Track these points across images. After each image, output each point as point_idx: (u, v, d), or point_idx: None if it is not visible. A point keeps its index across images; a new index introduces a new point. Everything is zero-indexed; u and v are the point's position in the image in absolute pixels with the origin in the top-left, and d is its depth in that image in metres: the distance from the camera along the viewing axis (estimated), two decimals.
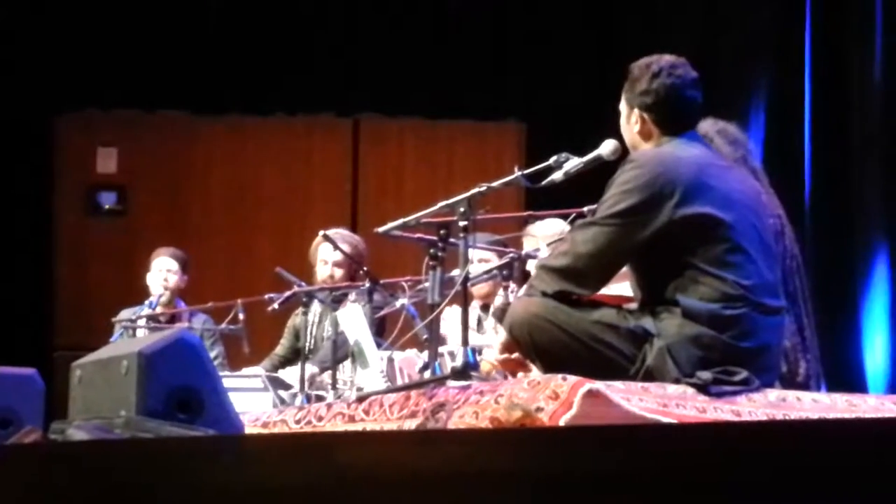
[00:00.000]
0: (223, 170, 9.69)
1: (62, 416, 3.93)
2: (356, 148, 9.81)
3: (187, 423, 3.44)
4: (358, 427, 4.06)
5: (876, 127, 7.55)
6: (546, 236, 5.44)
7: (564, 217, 5.16)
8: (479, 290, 6.12)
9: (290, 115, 9.64)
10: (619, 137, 4.29)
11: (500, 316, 4.40)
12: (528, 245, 5.63)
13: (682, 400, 3.73)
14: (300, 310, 6.26)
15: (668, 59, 4.19)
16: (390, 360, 5.21)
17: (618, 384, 3.67)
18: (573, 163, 4.25)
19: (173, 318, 7.27)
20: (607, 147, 4.27)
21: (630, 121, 4.21)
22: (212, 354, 6.32)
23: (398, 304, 5.48)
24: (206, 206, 9.64)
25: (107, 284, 9.01)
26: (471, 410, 3.65)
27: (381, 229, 4.56)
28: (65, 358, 5.33)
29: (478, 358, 4.19)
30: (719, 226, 3.95)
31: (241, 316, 6.25)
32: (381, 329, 5.97)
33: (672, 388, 3.78)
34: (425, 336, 4.71)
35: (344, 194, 9.69)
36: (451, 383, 3.95)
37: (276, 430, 4.42)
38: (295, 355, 6.75)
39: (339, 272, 6.66)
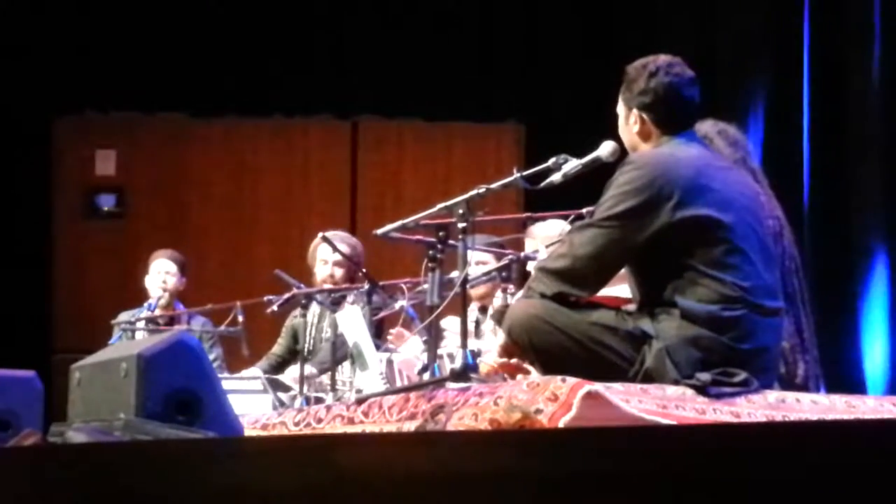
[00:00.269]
0: (222, 172, 9.69)
1: (61, 419, 3.93)
2: (355, 150, 9.80)
3: (186, 425, 3.44)
4: (357, 429, 4.06)
5: (874, 128, 7.56)
6: (547, 237, 5.43)
7: (564, 218, 5.16)
8: (476, 291, 6.12)
9: (289, 116, 9.64)
10: (618, 139, 4.29)
11: (499, 318, 4.40)
12: (529, 246, 5.62)
13: (682, 401, 3.74)
14: (298, 311, 6.26)
15: (664, 58, 4.19)
16: (389, 362, 5.21)
17: (617, 386, 3.67)
18: (572, 164, 4.25)
19: (172, 321, 7.27)
20: (606, 148, 4.27)
21: (629, 122, 4.21)
22: (210, 356, 6.31)
23: (397, 305, 5.48)
24: (205, 207, 9.64)
25: (105, 287, 9.00)
26: (470, 412, 3.65)
27: (379, 231, 4.56)
28: (64, 360, 5.34)
29: (477, 360, 4.19)
30: (718, 227, 3.95)
31: (240, 318, 6.25)
32: (379, 331, 5.97)
33: (671, 390, 3.78)
34: (424, 338, 4.71)
35: (342, 196, 9.69)
36: (451, 385, 3.95)
37: (275, 432, 4.42)
38: (292, 356, 6.75)
39: (339, 272, 6.66)
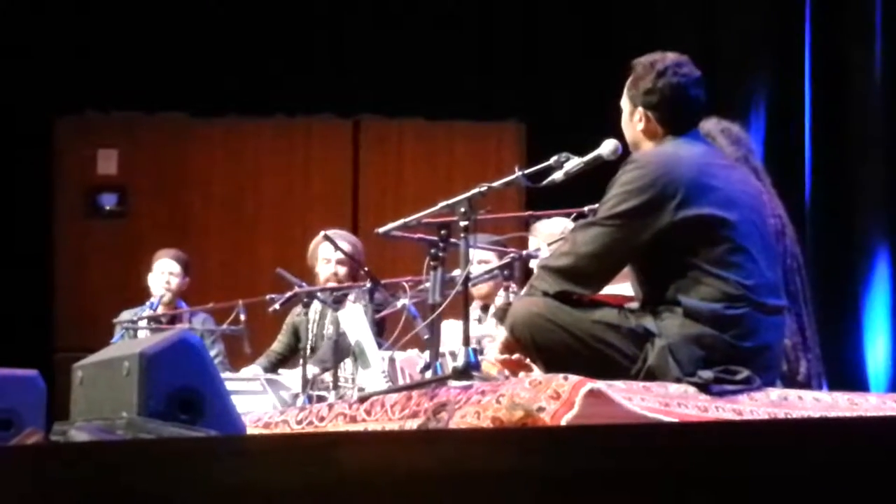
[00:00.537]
0: (223, 171, 9.69)
1: (64, 418, 3.93)
2: (356, 149, 9.80)
3: (189, 423, 3.44)
4: (359, 427, 4.06)
5: (876, 127, 7.56)
6: (550, 235, 5.44)
7: (566, 217, 5.16)
8: (479, 290, 6.12)
9: (290, 116, 9.64)
10: (619, 137, 4.29)
11: (501, 316, 4.40)
12: (533, 244, 5.62)
13: (684, 399, 3.74)
14: (300, 309, 6.26)
15: (672, 57, 4.18)
16: (391, 361, 5.21)
17: (619, 384, 3.67)
18: (573, 162, 4.25)
19: (174, 319, 7.27)
20: (607, 147, 4.27)
21: (633, 119, 4.21)
22: (212, 353, 6.32)
23: (399, 304, 5.48)
24: (207, 206, 9.64)
25: (107, 286, 9.01)
26: (472, 410, 3.65)
27: (381, 230, 4.56)
28: (66, 359, 5.33)
29: (479, 358, 4.19)
30: (721, 226, 3.95)
31: (242, 316, 6.25)
32: (381, 329, 5.97)
33: (673, 388, 3.78)
34: (426, 336, 4.70)
35: (344, 195, 9.69)
36: (453, 383, 3.95)
37: (277, 430, 4.42)
38: (292, 353, 6.75)
39: (342, 270, 6.66)
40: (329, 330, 6.48)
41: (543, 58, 9.43)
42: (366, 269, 5.87)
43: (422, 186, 9.43)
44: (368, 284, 5.67)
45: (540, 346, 3.98)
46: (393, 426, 3.93)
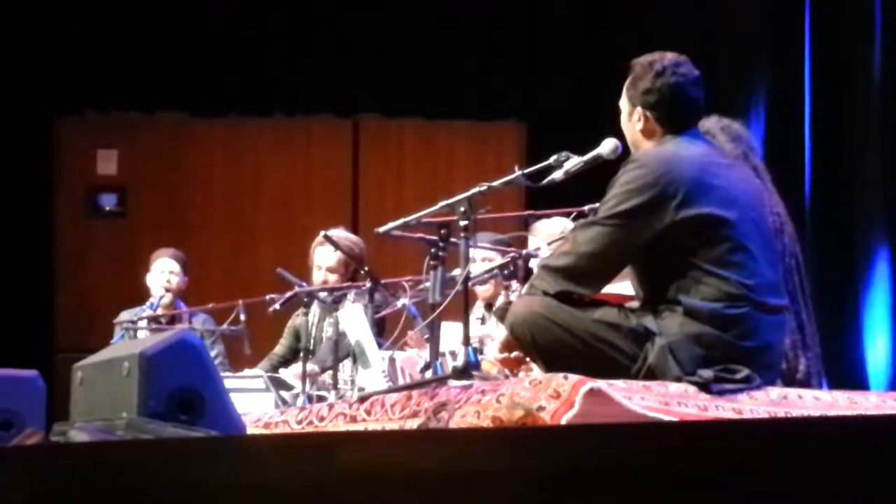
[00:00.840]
0: (223, 171, 9.69)
1: (64, 418, 3.93)
2: (356, 148, 9.80)
3: (189, 424, 3.44)
4: (360, 427, 4.06)
5: (876, 125, 7.56)
6: (550, 235, 5.43)
7: (565, 216, 5.16)
8: (483, 290, 6.12)
9: (290, 115, 9.64)
10: (619, 136, 4.29)
11: (502, 315, 4.40)
12: (533, 243, 5.62)
13: (684, 398, 3.74)
14: (301, 310, 6.26)
15: (671, 57, 4.18)
16: (391, 360, 5.20)
17: (619, 383, 3.67)
18: (573, 162, 4.25)
19: (174, 319, 7.27)
20: (607, 146, 4.27)
21: (632, 118, 4.21)
22: (212, 353, 6.31)
23: (399, 303, 5.48)
24: (207, 207, 9.64)
25: (107, 286, 9.00)
26: (472, 410, 3.65)
27: (381, 229, 4.56)
28: (66, 360, 5.33)
29: (479, 357, 4.19)
30: (722, 225, 3.95)
31: (242, 317, 6.25)
32: (381, 329, 5.96)
33: (673, 387, 3.78)
34: (426, 336, 4.70)
35: (344, 195, 9.69)
36: (453, 383, 3.95)
37: (277, 430, 4.42)
38: (294, 355, 6.74)
39: (332, 277, 6.64)
40: (329, 331, 6.48)
41: (543, 57, 9.43)
42: (366, 268, 5.86)
43: (422, 186, 9.43)
44: (368, 284, 5.67)
45: (540, 346, 3.98)
46: (393, 426, 3.93)
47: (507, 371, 4.24)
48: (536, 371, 4.05)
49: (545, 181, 4.28)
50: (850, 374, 7.15)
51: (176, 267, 7.30)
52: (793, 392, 4.00)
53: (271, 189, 9.71)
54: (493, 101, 9.57)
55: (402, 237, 4.63)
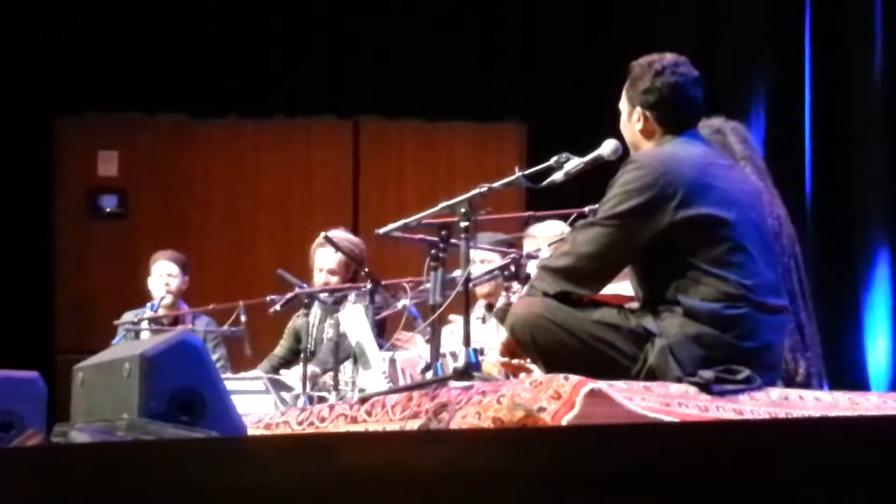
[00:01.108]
0: (224, 172, 9.69)
1: (64, 419, 3.93)
2: (356, 150, 9.80)
3: (190, 425, 3.44)
4: (360, 428, 4.06)
5: (876, 125, 7.56)
6: (546, 238, 5.44)
7: (565, 218, 5.16)
8: (480, 289, 6.12)
9: (290, 117, 9.64)
10: (619, 137, 4.29)
11: (502, 317, 4.40)
12: (528, 246, 5.62)
13: (685, 399, 3.74)
14: (301, 311, 6.26)
15: (669, 57, 4.19)
16: (392, 361, 5.21)
17: (620, 384, 3.67)
18: (574, 163, 4.25)
19: (176, 321, 7.27)
20: (608, 147, 4.27)
21: (631, 119, 4.21)
22: (214, 357, 6.32)
23: (400, 304, 5.48)
24: (207, 208, 9.64)
25: (108, 287, 9.01)
26: (473, 411, 3.65)
27: (381, 230, 4.56)
28: (67, 361, 5.34)
29: (480, 358, 4.19)
30: (721, 226, 3.95)
31: (242, 318, 6.25)
32: (382, 330, 5.96)
33: (674, 388, 3.78)
34: (426, 336, 4.71)
35: (344, 196, 9.69)
36: (454, 384, 3.95)
37: (278, 431, 4.42)
38: (294, 357, 6.74)
39: (333, 279, 6.64)
40: (329, 332, 6.48)
41: (543, 58, 9.43)
42: (366, 269, 5.86)
43: (422, 187, 9.44)
44: (369, 285, 5.67)
45: (540, 347, 3.98)
46: (394, 427, 3.93)
47: (507, 373, 4.24)
48: (537, 372, 4.05)
49: (545, 182, 4.28)
50: (850, 375, 7.15)
51: (175, 269, 7.30)
52: (794, 393, 4.00)
53: (271, 190, 9.71)
54: (494, 102, 9.57)
55: (402, 238, 4.63)
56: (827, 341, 4.89)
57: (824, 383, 4.68)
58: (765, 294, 3.98)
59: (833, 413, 3.94)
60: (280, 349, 6.90)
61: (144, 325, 6.97)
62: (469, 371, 4.03)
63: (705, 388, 3.80)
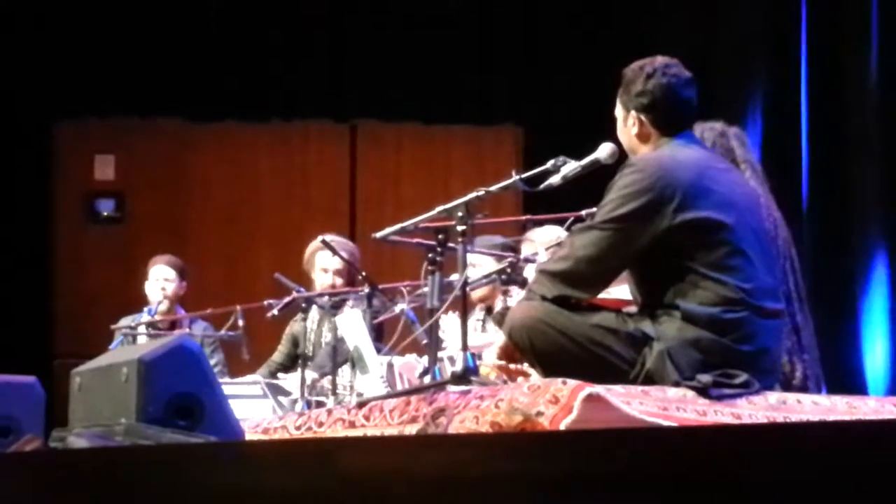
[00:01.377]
0: (221, 177, 9.68)
1: (62, 424, 3.93)
2: (354, 153, 9.80)
3: (187, 429, 3.44)
4: (358, 432, 4.06)
5: (873, 128, 7.56)
6: (544, 242, 5.44)
7: (562, 221, 5.16)
8: (476, 293, 6.12)
9: (287, 121, 9.64)
10: (616, 141, 4.30)
11: (500, 321, 4.41)
12: (525, 250, 5.63)
13: (683, 403, 3.74)
14: (299, 316, 6.26)
15: (660, 59, 4.20)
16: (390, 366, 5.20)
17: (618, 388, 3.67)
18: (571, 166, 4.26)
19: (173, 325, 7.27)
20: (605, 150, 4.27)
21: (627, 124, 4.22)
22: (212, 362, 6.31)
23: (397, 309, 5.48)
24: (205, 212, 9.63)
25: (105, 291, 9.00)
26: (471, 415, 3.65)
27: (379, 234, 4.56)
28: (64, 365, 5.33)
29: (478, 363, 4.19)
30: (719, 229, 3.95)
31: (240, 322, 6.24)
32: (379, 334, 5.96)
33: (672, 392, 3.78)
34: (425, 341, 4.71)
35: (342, 200, 9.69)
36: (452, 388, 3.95)
37: (276, 436, 4.42)
38: (292, 362, 6.73)
39: (339, 280, 6.65)
40: (327, 336, 6.48)
41: (541, 62, 9.44)
42: (363, 273, 5.87)
43: (419, 191, 9.43)
44: (366, 289, 5.67)
45: (538, 351, 3.98)
46: (392, 431, 3.93)
47: (505, 377, 4.24)
48: (535, 376, 4.05)
49: (542, 186, 4.28)
50: (848, 379, 7.14)
51: (171, 274, 7.30)
52: (791, 397, 4.00)
53: (269, 194, 9.71)
54: (491, 105, 9.57)
55: (399, 242, 4.63)
56: (824, 344, 4.89)
57: (822, 387, 4.68)
58: (763, 298, 3.98)
59: (831, 417, 3.94)
60: (278, 355, 6.90)
61: (141, 329, 6.96)
62: (467, 375, 4.03)
63: (703, 392, 3.81)
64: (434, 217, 4.35)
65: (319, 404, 5.60)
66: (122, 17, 9.15)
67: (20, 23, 9.06)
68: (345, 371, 5.74)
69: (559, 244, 4.77)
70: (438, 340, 4.48)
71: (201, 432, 3.45)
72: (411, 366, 5.21)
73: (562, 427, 3.45)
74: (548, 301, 4.01)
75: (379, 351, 5.37)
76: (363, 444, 3.02)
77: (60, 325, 9.23)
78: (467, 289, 4.34)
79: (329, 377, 5.86)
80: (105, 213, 9.56)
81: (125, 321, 7.21)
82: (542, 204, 5.52)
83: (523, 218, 6.10)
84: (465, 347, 4.13)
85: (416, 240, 4.56)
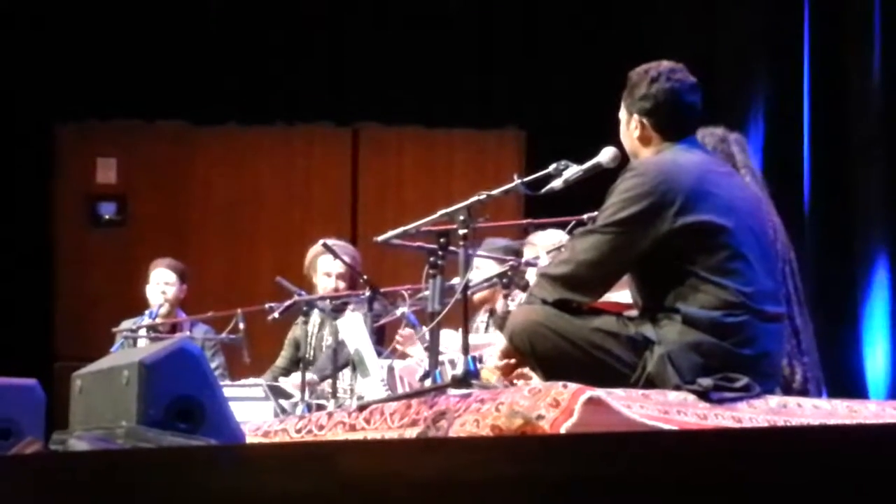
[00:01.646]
0: (223, 179, 9.69)
1: (63, 427, 3.93)
2: (355, 157, 9.80)
3: (188, 432, 3.44)
4: (359, 436, 4.06)
5: (875, 131, 7.56)
6: (545, 246, 5.44)
7: (564, 225, 5.16)
8: (480, 295, 6.11)
9: (290, 124, 9.64)
10: (618, 145, 4.30)
11: (501, 324, 4.41)
12: (527, 254, 5.63)
13: (683, 407, 3.74)
14: (300, 320, 6.26)
15: (666, 64, 4.20)
16: (391, 369, 5.21)
17: (618, 391, 3.67)
18: (573, 170, 4.26)
19: (174, 328, 7.26)
20: (606, 154, 4.28)
21: (630, 127, 4.22)
22: (213, 365, 6.31)
23: (398, 312, 5.48)
24: (206, 215, 9.64)
25: (107, 294, 9.00)
26: (472, 418, 3.65)
27: (380, 238, 4.56)
28: (65, 368, 5.33)
29: (478, 366, 4.19)
30: (720, 233, 3.95)
31: (241, 325, 6.24)
32: (381, 338, 5.96)
33: (673, 395, 3.78)
34: (425, 345, 4.71)
35: (344, 203, 9.69)
36: (452, 391, 3.95)
37: (276, 439, 4.42)
38: (295, 367, 6.73)
39: (342, 284, 6.65)
40: (328, 340, 6.48)
41: (543, 64, 9.44)
42: (365, 277, 5.87)
43: (421, 194, 9.44)
44: (368, 293, 5.67)
45: (539, 354, 3.98)
46: (392, 435, 3.93)
47: (506, 381, 4.24)
48: (536, 380, 4.05)
49: (544, 190, 4.29)
50: (849, 383, 7.14)
51: (172, 277, 7.29)
52: (792, 401, 3.99)
53: (271, 197, 9.71)
54: (493, 109, 9.57)
55: (401, 245, 4.63)
56: (825, 348, 4.89)
57: (822, 390, 4.68)
58: (763, 302, 3.98)
59: (831, 421, 3.94)
60: (281, 360, 6.90)
61: (142, 332, 6.96)
62: (467, 379, 4.03)
63: (704, 395, 3.80)
64: (435, 220, 4.35)
65: (320, 407, 5.60)
66: (124, 20, 9.16)
67: (22, 25, 9.06)
68: (345, 374, 5.74)
69: (560, 248, 4.77)
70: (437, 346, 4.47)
71: (202, 435, 3.45)
72: (412, 369, 5.21)
73: (562, 430, 3.45)
74: (548, 304, 4.01)
75: (380, 354, 5.37)
76: (364, 448, 3.02)
77: (61, 328, 9.23)
78: (468, 292, 4.34)
79: (330, 380, 5.86)
80: (107, 216, 9.56)
81: (126, 324, 7.21)
82: (543, 207, 5.52)
83: (525, 222, 6.10)
84: (465, 351, 4.13)
85: (417, 243, 4.56)
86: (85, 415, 3.86)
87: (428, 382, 4.38)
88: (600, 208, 4.07)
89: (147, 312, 7.15)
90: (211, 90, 9.33)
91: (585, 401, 3.51)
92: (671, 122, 4.16)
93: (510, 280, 5.25)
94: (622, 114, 4.25)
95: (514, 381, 4.24)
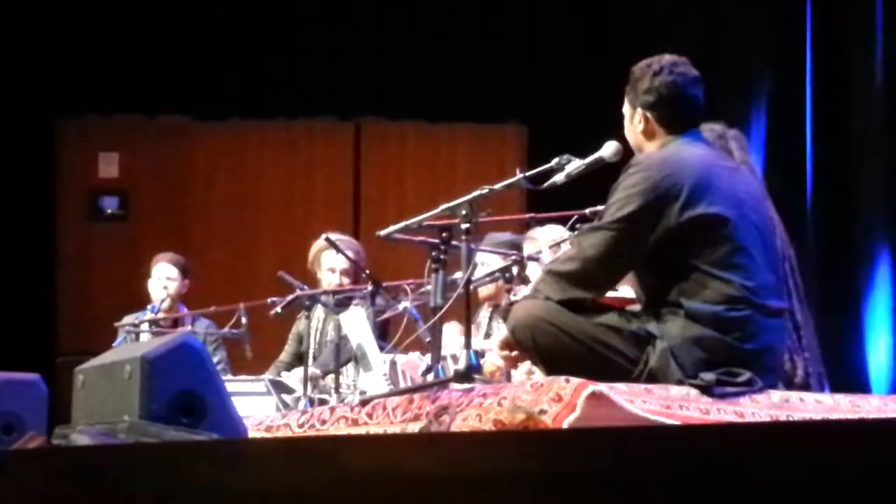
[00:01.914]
0: (225, 174, 9.69)
1: (65, 421, 3.93)
2: (357, 151, 9.80)
3: (190, 427, 3.44)
4: (361, 430, 4.07)
5: (877, 129, 7.56)
6: (547, 241, 5.44)
7: (566, 220, 5.16)
8: (484, 292, 6.11)
9: (292, 118, 9.64)
10: (620, 139, 4.29)
11: (505, 315, 4.41)
12: (529, 248, 5.63)
13: (686, 401, 3.74)
14: (303, 314, 6.25)
15: (668, 58, 4.20)
16: (393, 364, 5.20)
17: (621, 386, 3.67)
18: (575, 165, 4.26)
19: (176, 323, 7.26)
20: (609, 149, 4.27)
21: (633, 121, 4.22)
22: (215, 360, 6.30)
23: (401, 307, 5.48)
24: (208, 210, 9.64)
25: (109, 289, 9.00)
26: (474, 413, 3.65)
27: (382, 232, 4.56)
28: (68, 363, 5.33)
29: (481, 361, 4.19)
30: (724, 226, 3.95)
31: (243, 320, 6.24)
32: (383, 332, 5.96)
33: (675, 390, 3.78)
34: (428, 339, 4.70)
35: (345, 198, 9.69)
36: (455, 386, 3.95)
37: (279, 433, 4.42)
38: (299, 361, 6.73)
39: (346, 280, 6.65)
40: (331, 334, 6.48)
41: (544, 59, 9.43)
42: (367, 271, 5.87)
43: (423, 189, 9.43)
44: (370, 287, 5.67)
45: (541, 349, 3.98)
46: (395, 429, 3.93)
47: (507, 372, 4.25)
48: (538, 374, 4.05)
49: (546, 184, 4.28)
50: (851, 378, 7.14)
51: (174, 272, 7.29)
52: (794, 395, 3.99)
53: (272, 192, 9.71)
54: (495, 103, 9.56)
55: (403, 240, 4.63)
56: (828, 343, 4.89)
57: (825, 384, 4.68)
58: (766, 296, 3.98)
59: (834, 416, 3.94)
60: (285, 354, 6.89)
61: (144, 327, 6.96)
62: (470, 373, 4.03)
63: (706, 390, 3.81)
64: (438, 215, 4.35)
65: (322, 402, 5.60)
66: (126, 15, 9.15)
67: (24, 20, 9.06)
68: (348, 369, 5.74)
69: (560, 243, 4.77)
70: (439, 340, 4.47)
71: (204, 430, 3.45)
72: (414, 364, 5.21)
73: (565, 425, 3.45)
74: (552, 301, 4.01)
75: (382, 349, 5.37)
76: (366, 443, 3.02)
77: (64, 323, 9.23)
78: (470, 287, 4.34)
79: (332, 375, 5.85)
80: (109, 211, 9.56)
81: (128, 319, 7.21)
82: (545, 202, 5.52)
83: (527, 216, 6.10)
84: (468, 345, 4.13)
85: (419, 238, 4.56)
86: (87, 409, 3.86)
87: (430, 377, 4.38)
88: (605, 204, 4.07)
89: (149, 307, 7.15)
90: (212, 85, 9.32)
91: (588, 395, 3.51)
92: (675, 115, 4.16)
93: (513, 275, 5.25)
94: (626, 108, 4.25)
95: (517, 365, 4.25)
